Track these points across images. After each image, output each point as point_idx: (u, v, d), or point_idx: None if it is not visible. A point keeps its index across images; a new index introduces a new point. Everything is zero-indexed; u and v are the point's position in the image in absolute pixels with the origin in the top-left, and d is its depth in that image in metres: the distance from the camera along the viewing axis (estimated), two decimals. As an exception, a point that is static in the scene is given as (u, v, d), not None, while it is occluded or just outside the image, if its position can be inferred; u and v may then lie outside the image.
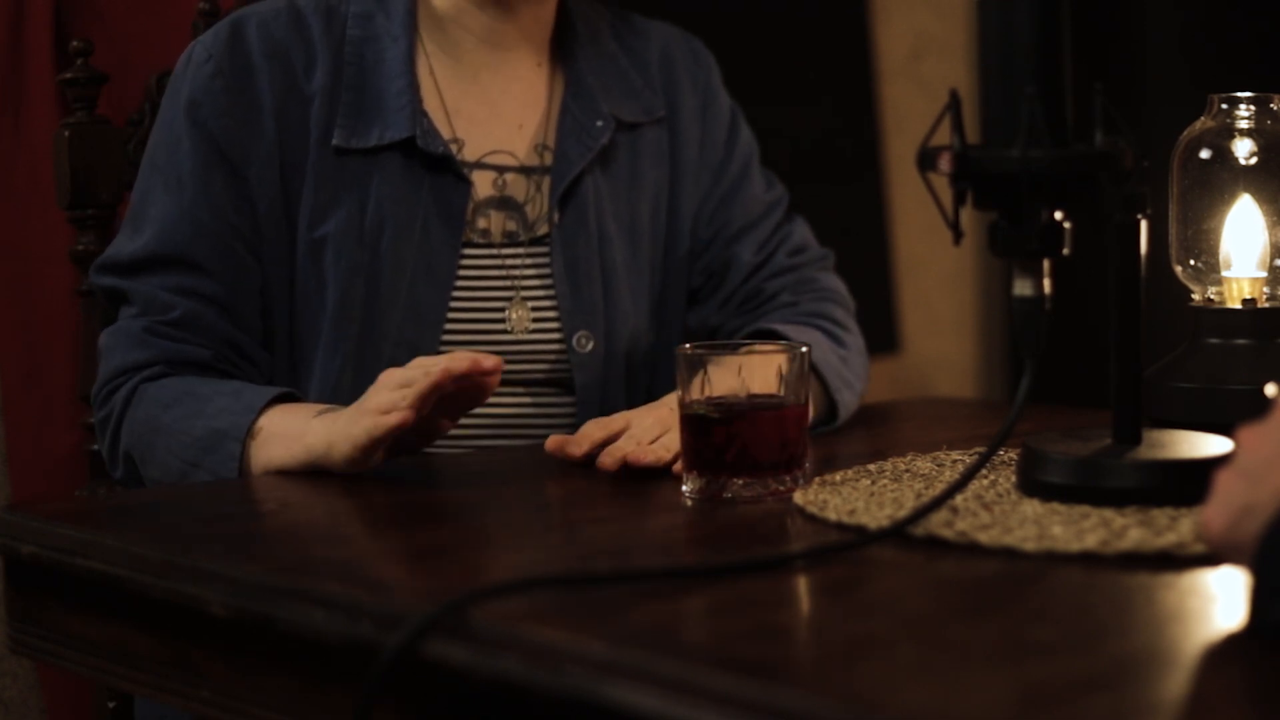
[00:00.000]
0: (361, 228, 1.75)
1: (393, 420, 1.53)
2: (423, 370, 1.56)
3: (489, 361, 1.56)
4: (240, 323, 1.75)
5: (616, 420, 1.61)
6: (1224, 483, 1.10)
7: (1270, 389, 1.19)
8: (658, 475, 1.57)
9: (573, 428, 1.75)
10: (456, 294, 1.78)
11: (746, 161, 1.95)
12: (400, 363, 1.74)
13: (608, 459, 1.56)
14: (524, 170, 1.83)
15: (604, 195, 1.84)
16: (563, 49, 1.87)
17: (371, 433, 1.55)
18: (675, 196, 1.90)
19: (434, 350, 1.76)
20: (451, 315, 1.77)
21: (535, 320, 1.80)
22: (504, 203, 1.81)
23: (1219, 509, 1.09)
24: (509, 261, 1.80)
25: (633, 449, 1.56)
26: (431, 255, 1.77)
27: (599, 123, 1.84)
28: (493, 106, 1.83)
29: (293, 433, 1.61)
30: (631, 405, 1.83)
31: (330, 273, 1.75)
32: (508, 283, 1.80)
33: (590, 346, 1.80)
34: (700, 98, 1.93)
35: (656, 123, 1.90)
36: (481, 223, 1.80)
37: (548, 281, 1.81)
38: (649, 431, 1.59)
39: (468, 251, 1.79)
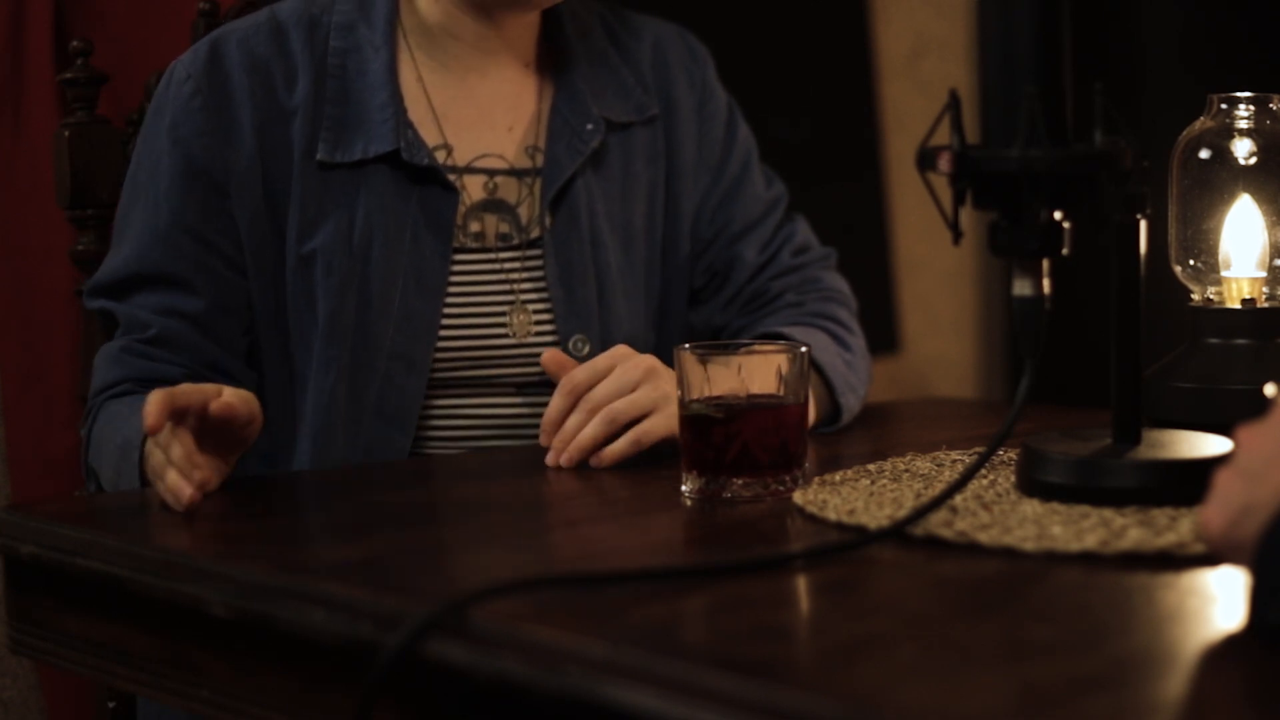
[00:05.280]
0: (350, 241, 1.74)
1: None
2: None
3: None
4: (220, 340, 1.74)
5: (599, 365, 1.64)
6: (1223, 482, 1.10)
7: (1269, 389, 1.19)
8: (657, 475, 1.57)
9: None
10: (450, 301, 1.77)
11: (746, 159, 1.95)
12: (394, 375, 1.74)
13: (564, 458, 1.61)
14: (514, 173, 1.82)
15: (596, 198, 1.84)
16: (552, 50, 1.86)
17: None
18: (674, 196, 1.90)
19: (428, 361, 1.75)
20: (446, 323, 1.77)
21: (532, 324, 1.80)
22: (496, 205, 1.80)
23: (1218, 508, 1.09)
24: (506, 265, 1.80)
25: (598, 447, 1.60)
26: (422, 264, 1.76)
27: (589, 125, 1.83)
28: (481, 110, 1.82)
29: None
30: None
31: (320, 288, 1.74)
32: (505, 287, 1.80)
33: (586, 350, 1.80)
34: (697, 95, 1.92)
35: (649, 122, 1.89)
36: (474, 226, 1.80)
37: (541, 285, 1.81)
38: (627, 380, 1.62)
39: (461, 257, 1.78)
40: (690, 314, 1.93)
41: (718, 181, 1.92)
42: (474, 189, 1.81)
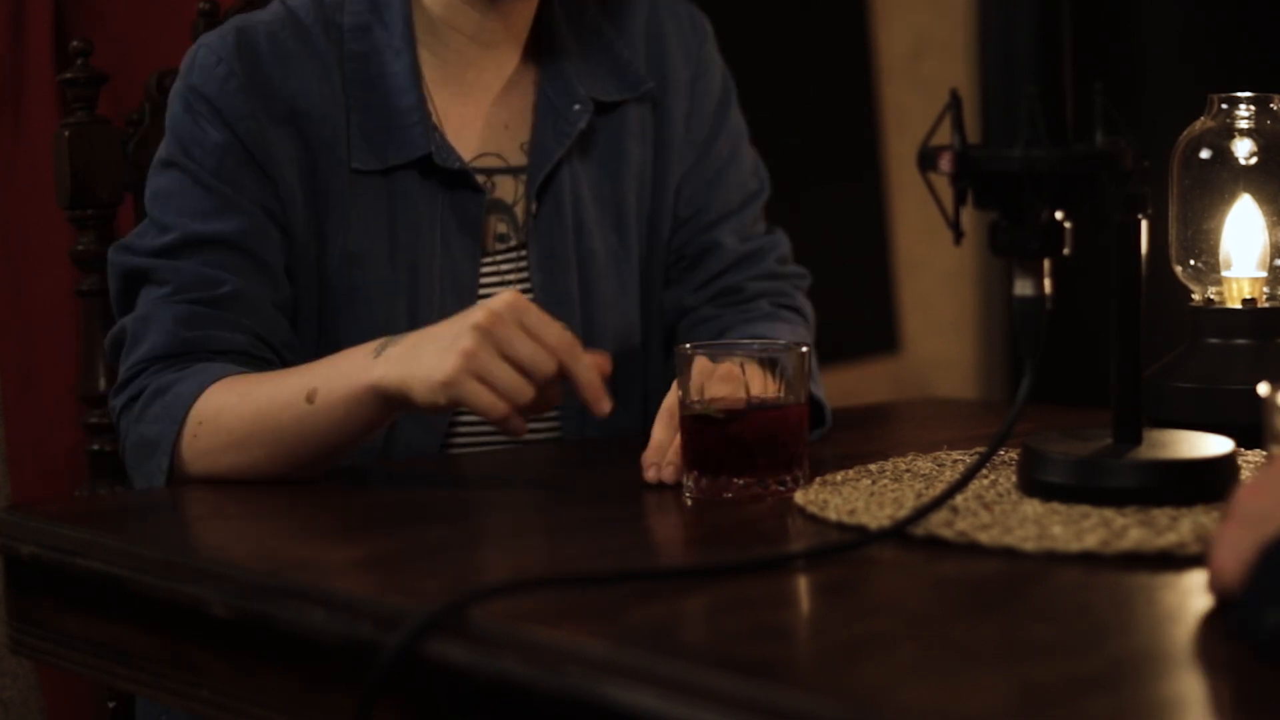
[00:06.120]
0: (388, 246, 1.73)
1: (496, 414, 1.50)
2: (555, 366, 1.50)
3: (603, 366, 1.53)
4: (285, 309, 1.71)
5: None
6: (1228, 533, 1.09)
7: (1264, 389, 1.19)
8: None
9: (560, 420, 1.77)
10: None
11: (736, 145, 1.90)
12: None
13: (665, 473, 1.55)
14: (511, 171, 1.80)
15: (582, 183, 1.81)
16: (542, 33, 1.82)
17: (450, 392, 1.51)
18: (661, 174, 1.86)
19: None
20: None
21: None
22: (494, 206, 1.79)
23: (1229, 556, 1.08)
24: (503, 266, 1.79)
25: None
26: (455, 268, 1.75)
27: (576, 106, 1.79)
28: (479, 108, 1.80)
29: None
30: (620, 392, 1.81)
31: (362, 294, 1.72)
32: (502, 288, 1.78)
33: None
34: (692, 69, 1.88)
35: (640, 99, 1.84)
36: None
37: (525, 276, 1.79)
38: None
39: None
40: (661, 292, 1.89)
41: (702, 161, 1.88)
42: None
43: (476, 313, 1.51)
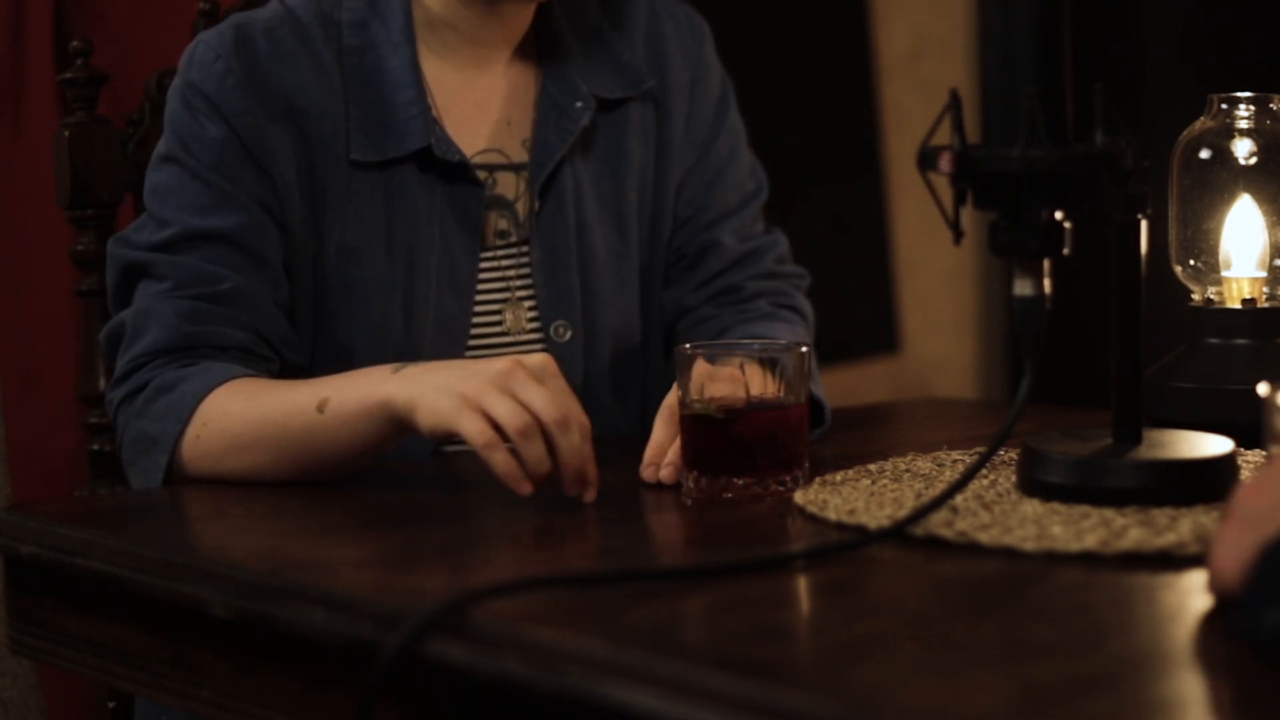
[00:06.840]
0: (385, 241, 1.73)
1: (493, 460, 1.48)
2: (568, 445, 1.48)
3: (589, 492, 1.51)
4: (283, 307, 1.71)
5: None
6: (1228, 532, 1.09)
7: (1263, 389, 1.19)
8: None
9: None
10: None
11: (734, 145, 1.91)
12: None
13: (664, 473, 1.55)
14: (513, 167, 1.81)
15: (584, 181, 1.81)
16: (544, 31, 1.82)
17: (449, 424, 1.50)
18: (662, 175, 1.86)
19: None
20: (474, 321, 1.76)
21: (527, 319, 1.79)
22: (495, 202, 1.79)
23: (1229, 556, 1.08)
24: (504, 262, 1.79)
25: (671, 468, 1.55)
26: (453, 263, 1.75)
27: (578, 104, 1.80)
28: (480, 105, 1.80)
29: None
30: (619, 391, 1.82)
31: (358, 288, 1.72)
32: (503, 284, 1.79)
33: (568, 336, 1.78)
34: (691, 71, 1.88)
35: (642, 99, 1.85)
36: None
37: (526, 273, 1.80)
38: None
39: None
40: (661, 292, 1.89)
41: (702, 161, 1.88)
42: None
43: (503, 361, 1.51)
